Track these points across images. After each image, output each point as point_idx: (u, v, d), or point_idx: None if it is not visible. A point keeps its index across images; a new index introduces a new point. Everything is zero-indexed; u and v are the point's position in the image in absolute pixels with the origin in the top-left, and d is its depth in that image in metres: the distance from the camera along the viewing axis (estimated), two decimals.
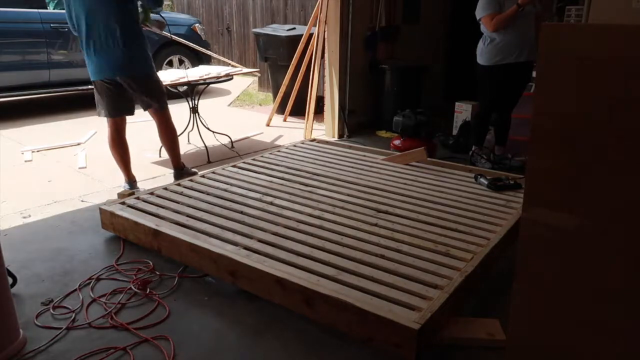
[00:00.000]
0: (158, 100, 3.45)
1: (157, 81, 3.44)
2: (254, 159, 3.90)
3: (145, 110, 3.53)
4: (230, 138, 4.95)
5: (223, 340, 2.08)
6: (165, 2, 10.53)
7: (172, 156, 3.72)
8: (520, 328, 1.57)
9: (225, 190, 3.22)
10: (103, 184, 3.90)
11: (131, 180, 3.59)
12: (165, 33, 4.01)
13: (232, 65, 4.53)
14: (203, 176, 3.50)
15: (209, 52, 6.26)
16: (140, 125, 5.63)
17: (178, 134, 4.58)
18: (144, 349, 2.03)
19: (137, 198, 3.08)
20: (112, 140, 3.45)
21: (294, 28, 6.33)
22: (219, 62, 7.15)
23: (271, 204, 2.98)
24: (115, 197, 3.21)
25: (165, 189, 3.27)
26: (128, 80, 3.25)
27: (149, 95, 3.38)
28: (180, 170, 3.76)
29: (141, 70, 3.28)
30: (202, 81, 4.52)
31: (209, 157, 4.47)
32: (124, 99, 3.35)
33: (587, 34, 1.31)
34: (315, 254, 2.40)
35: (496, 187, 3.23)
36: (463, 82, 5.80)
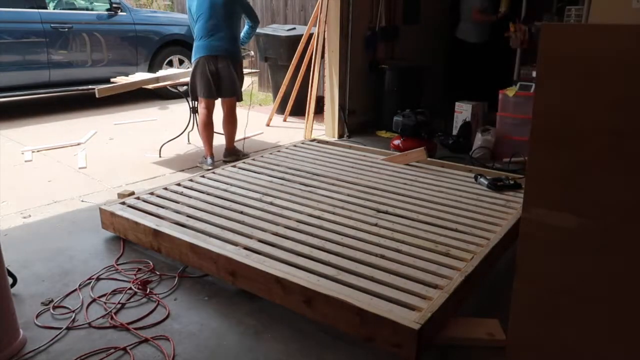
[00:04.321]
0: (238, 86, 4.23)
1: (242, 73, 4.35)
2: (254, 159, 3.90)
3: (222, 97, 4.18)
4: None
5: (223, 340, 2.08)
6: (165, 2, 10.55)
7: (230, 139, 4.38)
8: (520, 328, 1.57)
9: (225, 190, 3.22)
10: (103, 184, 3.90)
11: (212, 157, 4.19)
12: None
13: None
14: (203, 176, 3.50)
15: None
16: (140, 126, 5.64)
17: (178, 134, 4.64)
18: (144, 349, 2.03)
19: (137, 198, 3.08)
20: (203, 119, 4.16)
21: (294, 28, 6.33)
22: None
23: (271, 204, 2.98)
24: (115, 197, 3.21)
25: (165, 189, 3.26)
26: (226, 60, 4.07)
27: (236, 79, 4.17)
28: (232, 150, 4.39)
29: (239, 58, 4.22)
30: None
31: None
32: (210, 83, 4.05)
33: (587, 34, 1.31)
34: (315, 254, 2.40)
35: (496, 187, 3.23)
36: (463, 82, 5.81)
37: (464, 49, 5.76)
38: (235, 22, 4.17)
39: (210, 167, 4.02)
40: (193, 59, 4.12)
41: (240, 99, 4.32)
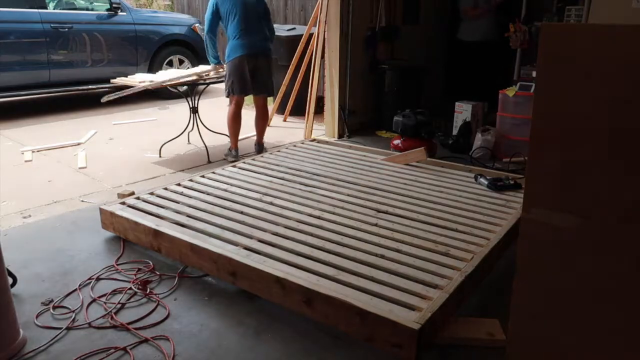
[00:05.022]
0: (271, 85, 4.54)
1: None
2: (254, 159, 3.90)
3: (256, 94, 4.44)
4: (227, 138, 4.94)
5: (223, 340, 2.08)
6: (165, 2, 10.55)
7: (261, 135, 4.63)
8: (520, 328, 1.57)
9: (225, 190, 3.22)
10: (103, 184, 3.90)
11: (237, 149, 4.45)
12: None
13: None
14: (203, 176, 3.49)
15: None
16: (140, 126, 5.64)
17: (178, 134, 4.64)
18: (144, 349, 2.03)
19: (137, 198, 3.08)
20: (233, 114, 4.34)
21: (294, 28, 6.33)
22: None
23: (271, 204, 2.98)
24: (115, 197, 3.21)
25: (166, 188, 3.26)
26: (265, 58, 4.36)
27: (271, 77, 4.49)
28: (262, 145, 4.61)
29: (272, 56, 4.51)
30: (202, 81, 4.52)
31: (209, 157, 4.47)
32: (247, 81, 4.26)
33: (587, 34, 1.31)
34: (315, 254, 2.40)
35: (496, 187, 3.23)
36: (463, 82, 5.80)
37: (463, 49, 5.77)
38: (266, 22, 4.42)
39: (234, 159, 4.22)
40: (230, 57, 4.23)
41: (271, 94, 4.62)
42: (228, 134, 4.48)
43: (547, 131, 1.37)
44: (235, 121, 4.38)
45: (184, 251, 2.54)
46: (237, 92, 4.29)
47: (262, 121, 4.59)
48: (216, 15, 4.25)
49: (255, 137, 4.67)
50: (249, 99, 4.67)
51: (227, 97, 4.41)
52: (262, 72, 4.36)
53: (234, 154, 4.40)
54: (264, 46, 4.35)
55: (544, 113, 1.37)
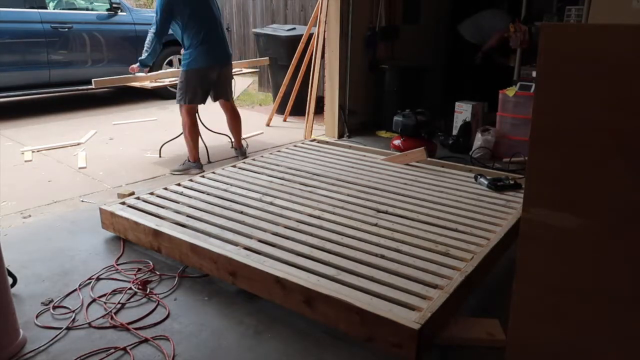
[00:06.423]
0: (231, 90, 4.33)
1: None
2: (254, 159, 3.90)
3: (215, 100, 4.23)
4: (230, 138, 4.94)
5: (223, 340, 2.08)
6: None
7: (238, 138, 4.45)
8: (520, 328, 1.57)
9: (225, 190, 3.22)
10: (103, 184, 3.90)
11: (197, 161, 4.15)
12: None
13: None
14: (203, 176, 3.49)
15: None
16: (140, 126, 5.64)
17: (178, 134, 4.64)
18: (144, 349, 2.03)
19: (138, 198, 3.08)
20: (190, 124, 4.07)
21: (294, 28, 6.33)
22: None
23: (271, 204, 2.98)
24: (115, 197, 3.21)
25: (166, 188, 3.26)
26: (225, 67, 4.13)
27: (230, 83, 4.30)
28: (242, 149, 4.46)
29: (231, 62, 4.27)
30: None
31: (209, 157, 4.47)
32: (205, 91, 4.05)
33: (587, 34, 1.31)
34: (315, 254, 2.40)
35: (496, 187, 3.23)
36: (463, 82, 5.80)
37: (464, 49, 5.77)
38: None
39: (200, 171, 4.00)
40: (192, 65, 3.88)
41: (229, 99, 4.34)
42: (186, 147, 4.14)
43: (547, 131, 1.37)
44: (194, 131, 4.09)
45: (184, 251, 2.54)
46: (190, 101, 3.99)
47: (236, 123, 4.38)
48: (169, 16, 3.80)
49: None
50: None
51: (178, 104, 4.09)
52: (225, 79, 4.16)
53: (196, 166, 4.11)
54: (229, 53, 4.16)
55: (544, 113, 1.37)
